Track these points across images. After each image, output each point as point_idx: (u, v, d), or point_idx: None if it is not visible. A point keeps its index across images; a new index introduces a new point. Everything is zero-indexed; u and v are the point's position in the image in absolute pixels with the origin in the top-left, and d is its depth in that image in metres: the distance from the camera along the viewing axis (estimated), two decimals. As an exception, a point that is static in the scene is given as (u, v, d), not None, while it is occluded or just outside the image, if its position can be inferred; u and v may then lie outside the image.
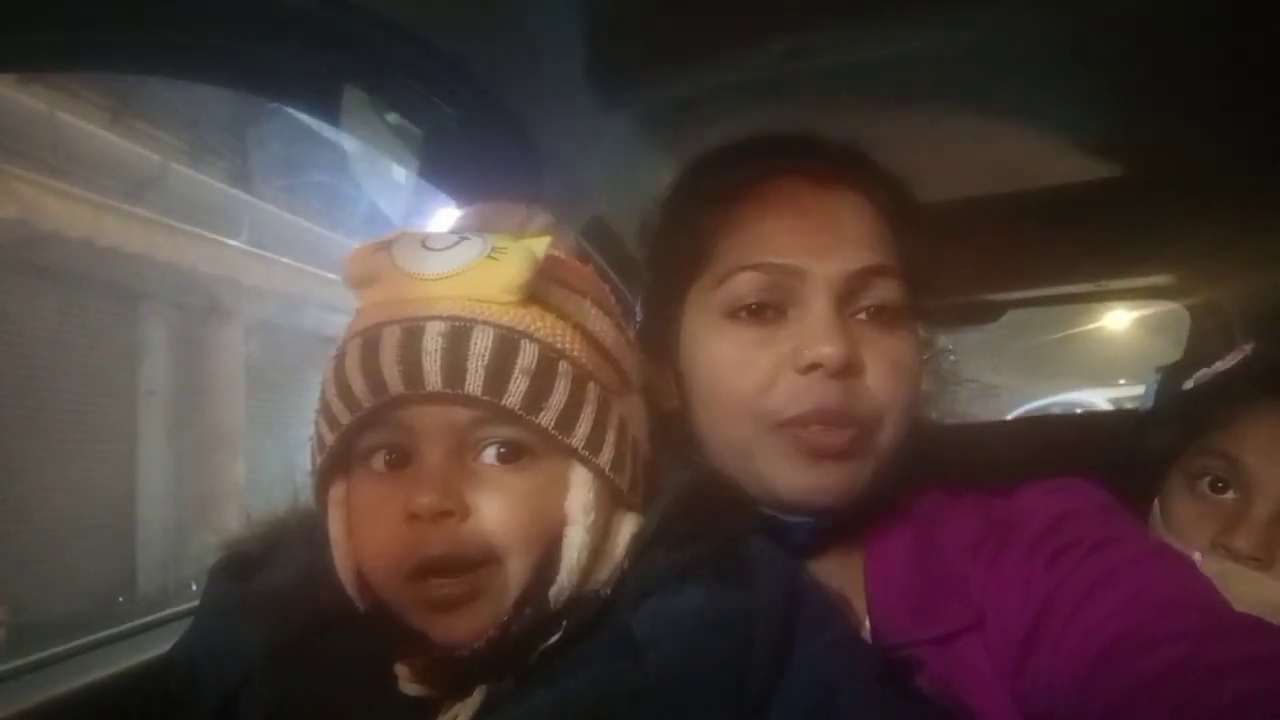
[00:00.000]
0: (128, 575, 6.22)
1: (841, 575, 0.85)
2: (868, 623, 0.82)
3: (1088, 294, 2.37)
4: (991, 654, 0.77)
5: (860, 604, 0.83)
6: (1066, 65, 1.04)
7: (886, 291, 0.83)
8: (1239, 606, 0.76)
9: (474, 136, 1.08)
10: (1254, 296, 1.96)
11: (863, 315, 0.83)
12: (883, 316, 0.83)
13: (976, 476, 0.90)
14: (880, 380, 0.81)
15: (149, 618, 1.05)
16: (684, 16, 0.95)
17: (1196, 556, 0.95)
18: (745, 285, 0.83)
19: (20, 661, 0.90)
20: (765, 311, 0.82)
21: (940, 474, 0.91)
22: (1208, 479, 1.01)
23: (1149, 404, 2.05)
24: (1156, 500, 1.05)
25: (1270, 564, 0.94)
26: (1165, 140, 1.27)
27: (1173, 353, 2.21)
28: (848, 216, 0.84)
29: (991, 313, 2.12)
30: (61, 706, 0.83)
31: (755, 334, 0.82)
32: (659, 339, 0.90)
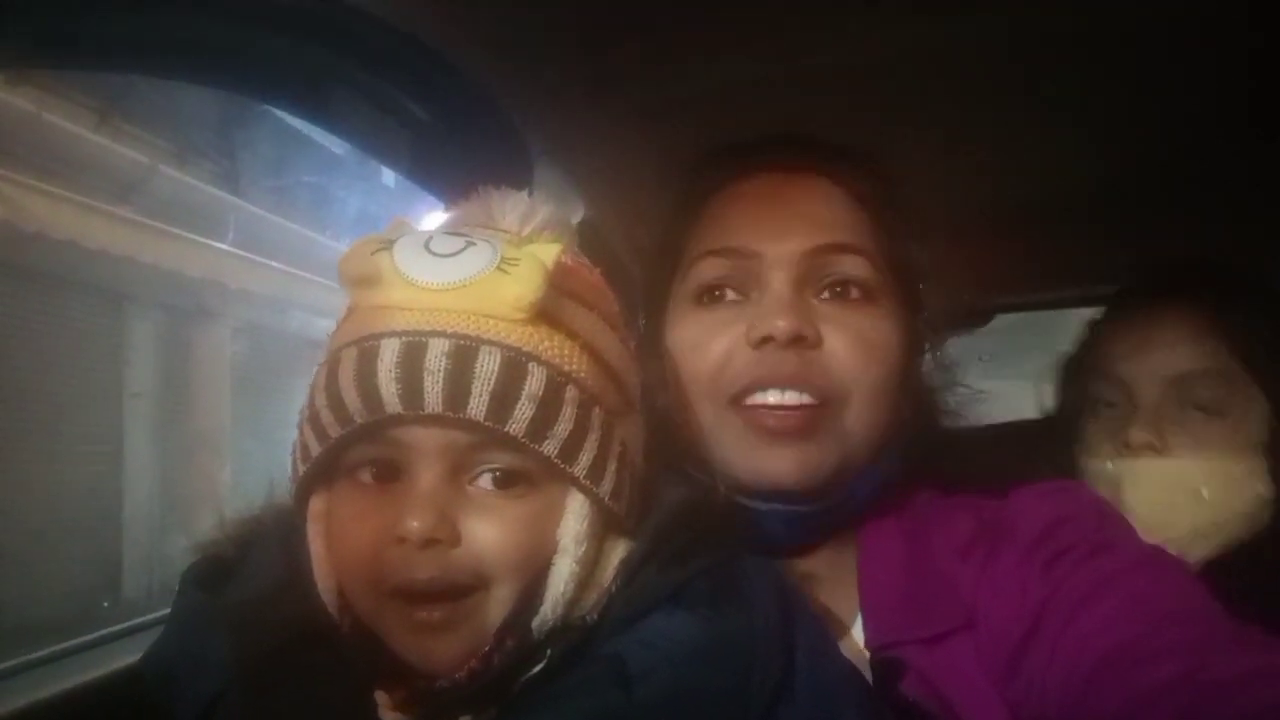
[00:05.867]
0: (112, 578, 6.18)
1: (834, 575, 0.85)
2: (859, 622, 0.82)
3: (1077, 298, 2.38)
4: (983, 656, 0.77)
5: (853, 604, 0.83)
6: (1054, 70, 1.05)
7: (851, 269, 0.84)
8: (1147, 497, 1.03)
9: (463, 137, 1.07)
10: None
11: (826, 294, 0.84)
12: (849, 294, 0.84)
13: (967, 479, 0.90)
14: (843, 354, 0.81)
15: (131, 622, 1.04)
16: (677, 16, 0.95)
17: (1109, 465, 1.10)
18: (706, 270, 0.86)
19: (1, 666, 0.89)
20: (726, 294, 0.85)
21: (932, 477, 0.91)
22: (1099, 402, 1.15)
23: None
24: (1081, 458, 1.17)
25: (1164, 450, 1.06)
26: (1155, 145, 1.27)
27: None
28: (810, 200, 0.87)
29: (980, 317, 2.12)
30: (34, 713, 0.82)
31: (716, 316, 0.85)
32: (652, 336, 0.91)
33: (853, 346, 0.82)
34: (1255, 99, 1.12)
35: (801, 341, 0.80)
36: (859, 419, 0.82)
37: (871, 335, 0.83)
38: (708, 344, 0.84)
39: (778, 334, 0.79)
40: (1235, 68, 1.04)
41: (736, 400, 0.82)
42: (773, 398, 0.80)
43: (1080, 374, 1.22)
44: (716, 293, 0.86)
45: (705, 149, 0.95)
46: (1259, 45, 0.99)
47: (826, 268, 0.83)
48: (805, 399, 0.80)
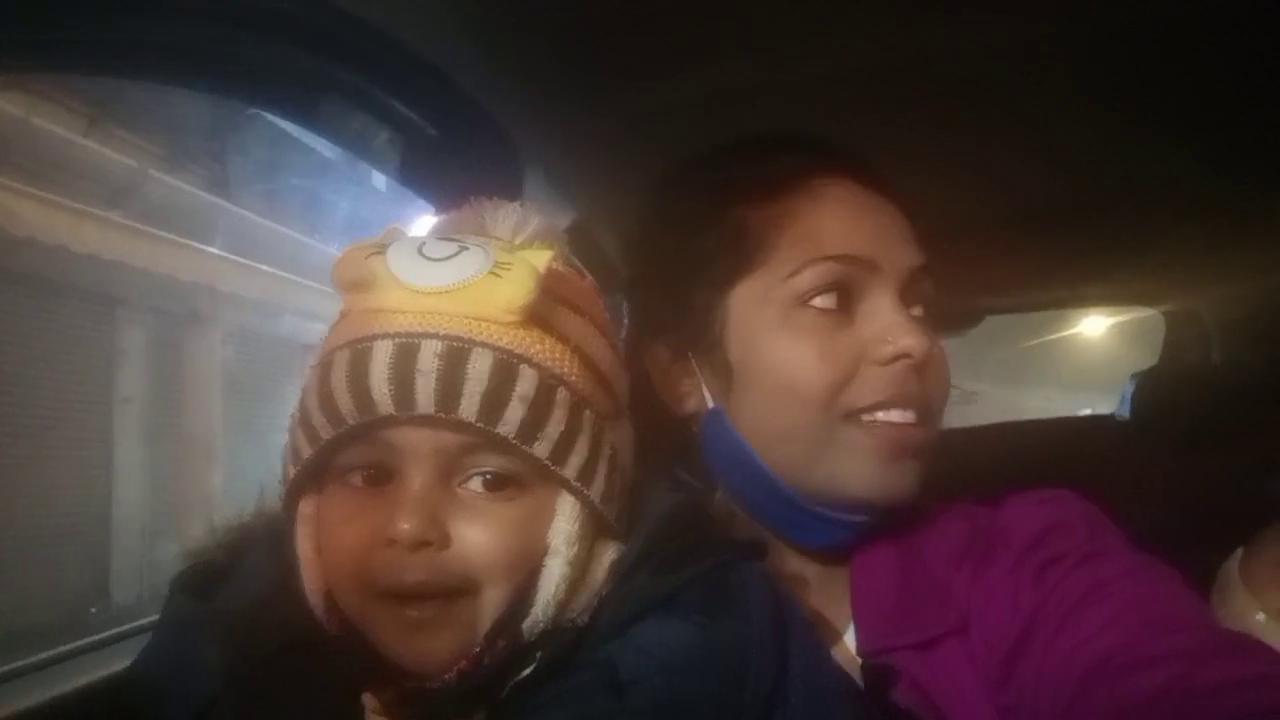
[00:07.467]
0: (101, 585, 6.16)
1: (829, 583, 0.85)
2: (852, 628, 0.82)
3: (1066, 299, 2.39)
4: (975, 663, 0.77)
5: (845, 610, 0.83)
6: (1045, 76, 1.05)
7: (931, 290, 0.85)
8: None
9: (454, 142, 1.07)
10: (1228, 304, 1.99)
11: (915, 311, 0.84)
12: (927, 312, 0.84)
13: (957, 482, 0.90)
14: (937, 373, 0.82)
15: (120, 628, 1.03)
16: (667, 24, 0.95)
17: (1260, 617, 0.94)
18: (821, 277, 0.81)
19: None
20: (831, 303, 0.82)
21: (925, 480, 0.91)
22: None
23: (1125, 409, 2.08)
24: (1241, 549, 1.02)
25: None
26: (1144, 150, 1.28)
27: (1148, 360, 2.24)
28: (897, 215, 0.85)
29: (971, 319, 2.14)
30: None
31: (829, 325, 0.81)
32: (683, 336, 0.88)
33: (940, 365, 0.83)
34: (1242, 110, 1.13)
35: (925, 361, 0.80)
36: (935, 433, 0.84)
37: (943, 351, 0.84)
38: (826, 357, 0.80)
39: (915, 353, 0.78)
40: (1226, 80, 1.05)
41: (854, 415, 0.80)
42: (895, 416, 0.80)
43: None
44: (824, 300, 0.82)
45: (746, 137, 0.92)
46: (1247, 60, 1.00)
47: (919, 286, 0.84)
48: (915, 417, 0.81)
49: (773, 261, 0.83)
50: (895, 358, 0.79)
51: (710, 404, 0.87)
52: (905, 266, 0.82)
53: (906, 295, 0.82)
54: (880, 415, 0.80)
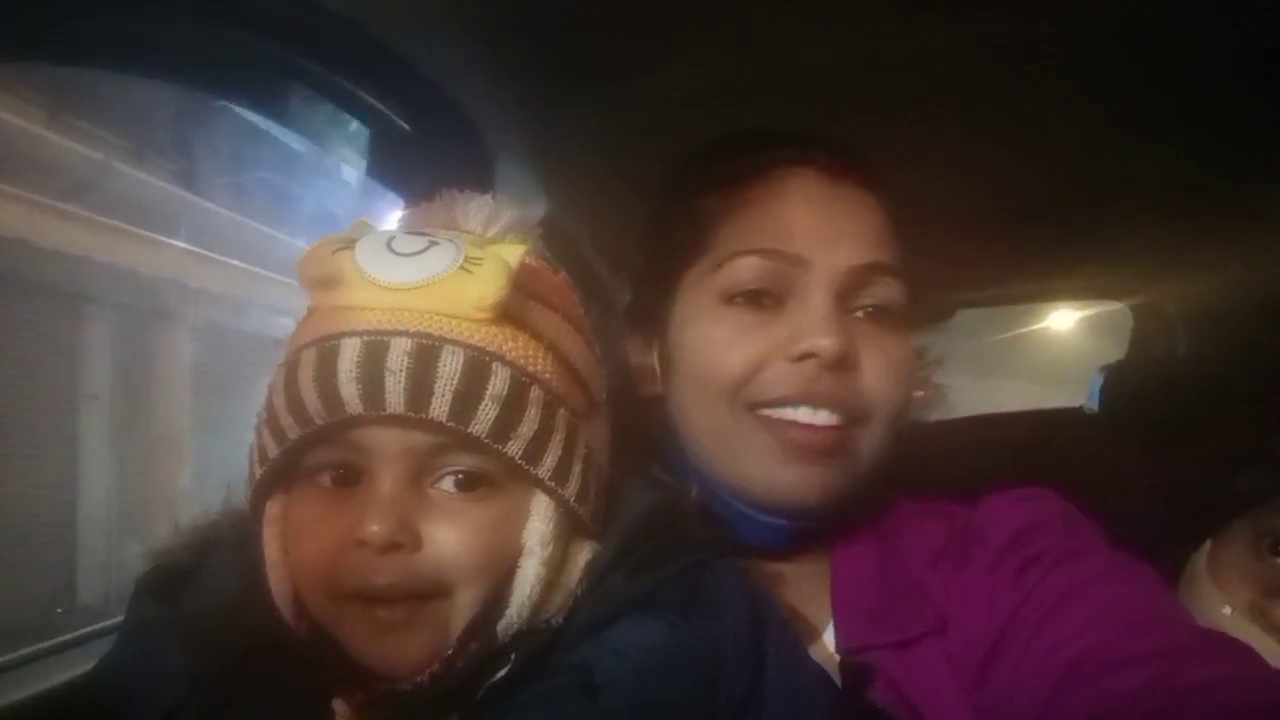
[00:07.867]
0: (67, 585, 6.06)
1: (808, 580, 0.85)
2: (831, 627, 0.82)
3: (1035, 293, 2.42)
4: (953, 663, 0.77)
5: (825, 608, 0.83)
6: (1018, 74, 1.06)
7: (887, 290, 0.83)
8: None
9: (425, 136, 1.06)
10: (1193, 298, 2.02)
11: (860, 313, 0.82)
12: (882, 316, 0.83)
13: (930, 474, 0.91)
14: (874, 378, 0.81)
15: (86, 629, 1.01)
16: (653, 19, 0.95)
17: (1226, 610, 0.95)
18: (745, 270, 0.82)
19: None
20: (762, 298, 0.81)
21: (897, 475, 0.91)
22: (1271, 539, 0.97)
23: (1093, 402, 2.10)
24: (1210, 541, 1.03)
25: None
26: (1114, 146, 1.29)
27: (1116, 354, 2.27)
28: (855, 211, 0.84)
29: (943, 312, 2.15)
30: None
31: (750, 319, 0.81)
32: (648, 322, 0.89)
33: (884, 370, 0.81)
34: (1213, 109, 1.14)
35: (842, 362, 0.78)
36: (876, 439, 0.82)
37: (898, 358, 0.83)
38: (736, 348, 0.81)
39: (823, 353, 0.77)
40: (1197, 79, 1.06)
41: (759, 409, 0.80)
42: (804, 415, 0.79)
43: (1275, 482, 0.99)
44: (753, 293, 0.82)
45: (724, 132, 0.93)
46: (1219, 60, 1.01)
47: (867, 287, 0.82)
48: (834, 419, 0.79)
49: (711, 252, 0.84)
50: (803, 355, 0.78)
51: (659, 390, 0.88)
52: (843, 265, 0.81)
53: (848, 294, 0.81)
54: (788, 412, 0.79)
